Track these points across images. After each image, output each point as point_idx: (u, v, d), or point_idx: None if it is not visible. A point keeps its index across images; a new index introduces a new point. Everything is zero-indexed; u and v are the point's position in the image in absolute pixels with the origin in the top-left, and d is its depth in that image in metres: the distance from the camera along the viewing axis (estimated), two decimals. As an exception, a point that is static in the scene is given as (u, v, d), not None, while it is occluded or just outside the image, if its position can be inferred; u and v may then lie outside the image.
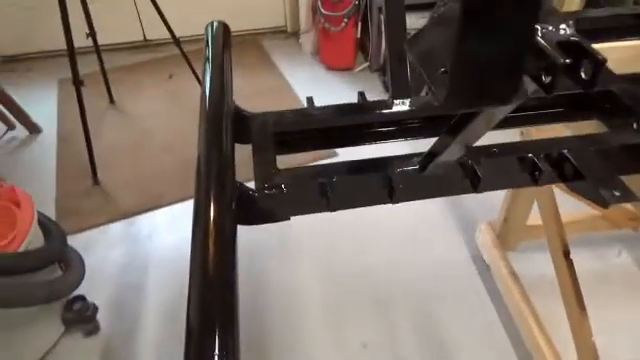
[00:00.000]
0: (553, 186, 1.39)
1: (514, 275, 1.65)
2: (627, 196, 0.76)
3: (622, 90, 0.96)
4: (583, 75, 0.42)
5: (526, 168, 0.83)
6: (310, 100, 0.98)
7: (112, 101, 2.91)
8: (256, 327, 1.73)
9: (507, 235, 1.74)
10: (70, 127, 2.68)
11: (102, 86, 2.85)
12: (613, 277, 1.82)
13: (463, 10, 0.32)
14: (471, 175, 0.81)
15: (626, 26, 1.24)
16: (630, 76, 1.02)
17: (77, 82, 2.09)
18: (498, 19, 0.33)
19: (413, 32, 0.50)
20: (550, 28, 0.42)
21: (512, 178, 0.84)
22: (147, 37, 3.42)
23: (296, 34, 3.51)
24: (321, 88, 2.98)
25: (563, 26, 0.42)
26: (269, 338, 1.71)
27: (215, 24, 1.12)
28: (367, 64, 3.11)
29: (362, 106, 0.95)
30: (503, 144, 0.84)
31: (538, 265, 1.77)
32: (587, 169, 0.79)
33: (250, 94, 2.94)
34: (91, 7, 2.45)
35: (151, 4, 2.42)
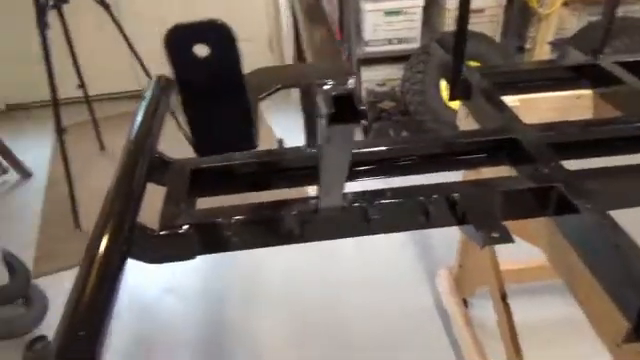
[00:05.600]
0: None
1: (468, 322, 1.65)
2: (504, 239, 0.80)
3: (526, 138, 1.01)
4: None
5: (418, 211, 0.87)
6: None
7: (102, 147, 3.04)
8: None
9: (463, 281, 1.74)
10: (60, 173, 2.78)
11: (94, 133, 2.99)
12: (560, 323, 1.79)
13: (178, 82, 0.38)
14: (364, 217, 0.86)
15: (544, 78, 1.31)
16: (539, 125, 1.08)
17: (59, 130, 2.22)
18: (211, 96, 0.39)
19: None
20: (331, 84, 0.48)
21: (405, 220, 0.88)
22: (142, 86, 3.60)
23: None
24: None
25: (346, 82, 0.49)
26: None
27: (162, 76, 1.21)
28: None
29: (278, 152, 1.01)
30: (398, 188, 0.88)
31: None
32: (471, 213, 0.84)
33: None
34: (85, 58, 2.62)
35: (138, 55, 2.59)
